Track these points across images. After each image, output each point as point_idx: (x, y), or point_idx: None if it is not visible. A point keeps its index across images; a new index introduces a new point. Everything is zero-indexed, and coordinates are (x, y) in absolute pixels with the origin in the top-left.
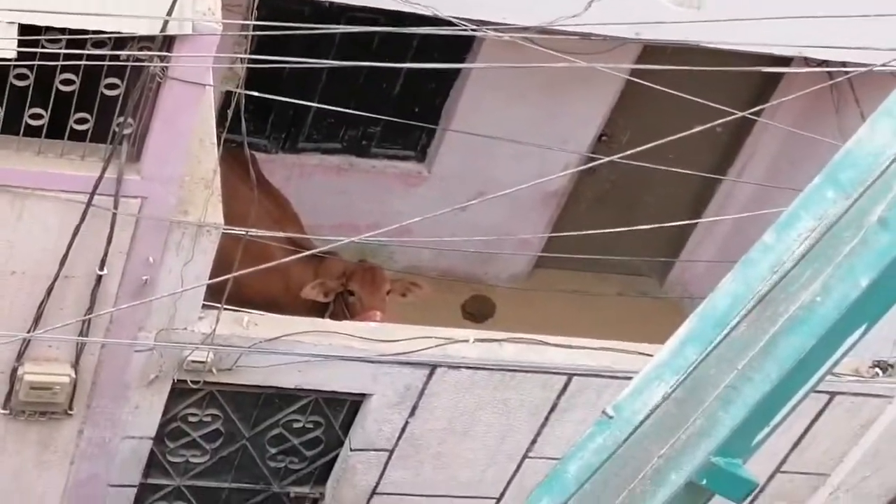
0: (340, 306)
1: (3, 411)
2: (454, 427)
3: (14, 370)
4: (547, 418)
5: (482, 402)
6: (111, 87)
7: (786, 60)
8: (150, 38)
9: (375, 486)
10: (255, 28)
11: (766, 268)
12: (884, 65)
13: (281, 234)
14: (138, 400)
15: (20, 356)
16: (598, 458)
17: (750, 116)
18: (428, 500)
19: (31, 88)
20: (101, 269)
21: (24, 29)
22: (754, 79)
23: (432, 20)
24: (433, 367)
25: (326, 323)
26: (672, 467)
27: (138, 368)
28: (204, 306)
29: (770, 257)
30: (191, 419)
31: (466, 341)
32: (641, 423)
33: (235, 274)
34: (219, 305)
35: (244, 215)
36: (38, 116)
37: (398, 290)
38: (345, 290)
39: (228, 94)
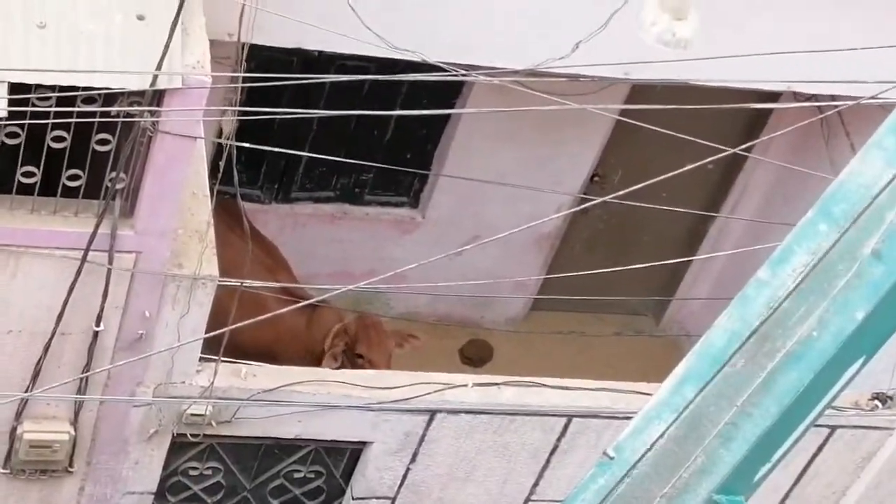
0: (342, 361)
1: (3, 471)
2: (455, 472)
3: (13, 429)
4: (548, 461)
5: (483, 446)
6: (102, 142)
7: (775, 95)
8: (140, 93)
9: None
10: (245, 80)
11: (762, 304)
12: (873, 97)
13: (275, 284)
14: (138, 455)
15: (19, 415)
16: (600, 499)
17: (741, 153)
18: None
19: (22, 146)
20: (98, 324)
21: (14, 87)
22: (744, 115)
23: (421, 66)
24: (433, 413)
25: (325, 372)
26: None
27: (137, 423)
28: (201, 359)
29: (765, 293)
30: (191, 473)
31: (465, 386)
32: (642, 462)
33: (232, 327)
34: (216, 358)
35: (237, 265)
36: (31, 174)
37: (395, 342)
38: (351, 352)
39: (220, 146)
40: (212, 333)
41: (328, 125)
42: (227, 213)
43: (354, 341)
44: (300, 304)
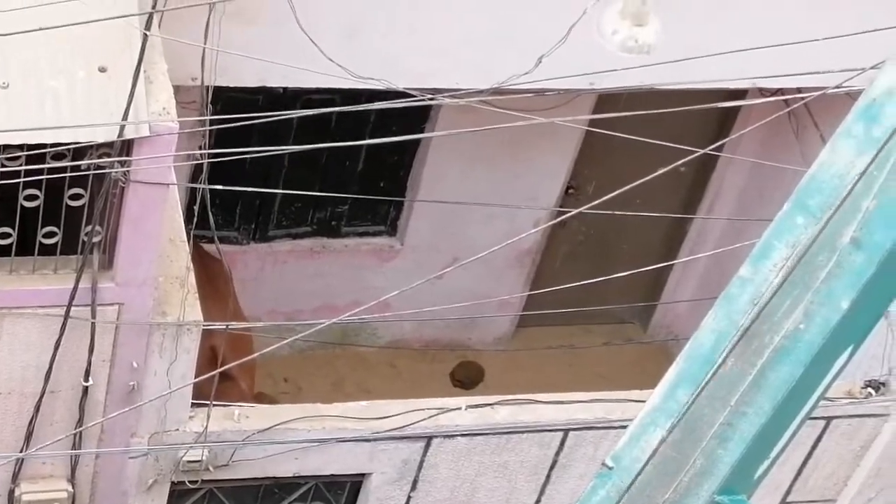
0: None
1: None
2: (457, 496)
3: (11, 491)
4: (548, 476)
5: (482, 467)
6: (75, 197)
7: (741, 93)
8: (109, 145)
9: None
10: (212, 122)
11: (747, 301)
12: (837, 86)
13: (259, 324)
14: None
15: (15, 477)
16: None
17: (712, 153)
18: None
19: None
20: (87, 379)
21: None
22: (713, 115)
23: (387, 94)
24: (429, 439)
25: (318, 407)
26: None
27: (135, 475)
28: (193, 404)
29: (749, 290)
30: None
31: (459, 409)
32: (642, 470)
33: (221, 369)
34: (208, 402)
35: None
36: (6, 235)
37: None
38: None
39: (193, 191)
40: (202, 377)
41: (299, 161)
42: (200, 268)
43: None
44: (211, 373)
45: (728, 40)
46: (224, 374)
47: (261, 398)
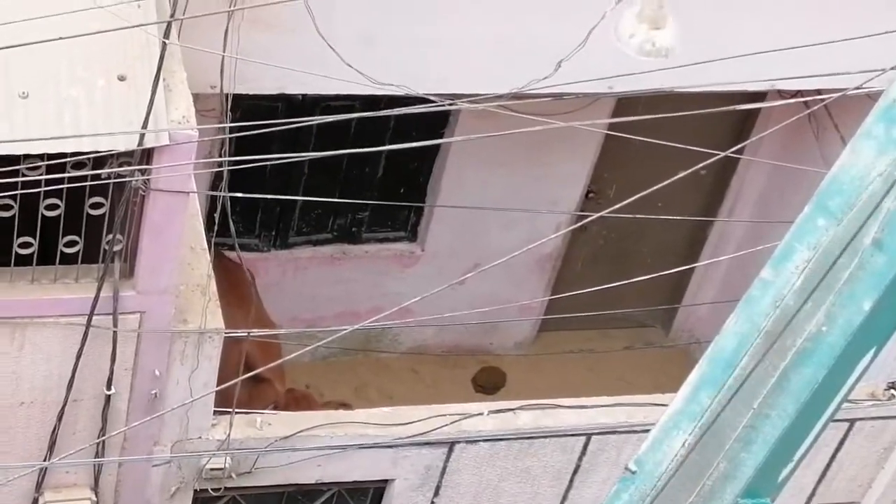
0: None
1: None
2: (480, 502)
3: (35, 501)
4: (571, 481)
5: (505, 473)
6: (96, 206)
7: (760, 95)
8: (129, 153)
9: None
10: (232, 130)
11: (768, 303)
12: (857, 87)
13: (281, 331)
14: None
15: (39, 486)
16: None
17: (732, 155)
18: None
19: (16, 218)
20: (109, 388)
21: (2, 159)
22: (732, 118)
23: (406, 100)
24: (451, 445)
25: (339, 414)
26: None
27: (158, 483)
28: (216, 412)
29: (770, 292)
30: None
31: (481, 414)
32: (665, 474)
33: (243, 377)
34: (230, 410)
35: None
36: (28, 245)
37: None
38: None
39: (214, 199)
40: (223, 385)
41: (320, 167)
42: (223, 275)
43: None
44: (244, 377)
45: (747, 42)
46: (258, 377)
47: (292, 394)
